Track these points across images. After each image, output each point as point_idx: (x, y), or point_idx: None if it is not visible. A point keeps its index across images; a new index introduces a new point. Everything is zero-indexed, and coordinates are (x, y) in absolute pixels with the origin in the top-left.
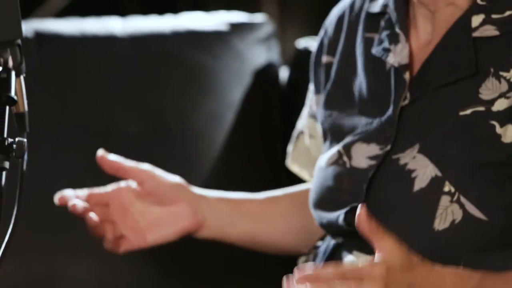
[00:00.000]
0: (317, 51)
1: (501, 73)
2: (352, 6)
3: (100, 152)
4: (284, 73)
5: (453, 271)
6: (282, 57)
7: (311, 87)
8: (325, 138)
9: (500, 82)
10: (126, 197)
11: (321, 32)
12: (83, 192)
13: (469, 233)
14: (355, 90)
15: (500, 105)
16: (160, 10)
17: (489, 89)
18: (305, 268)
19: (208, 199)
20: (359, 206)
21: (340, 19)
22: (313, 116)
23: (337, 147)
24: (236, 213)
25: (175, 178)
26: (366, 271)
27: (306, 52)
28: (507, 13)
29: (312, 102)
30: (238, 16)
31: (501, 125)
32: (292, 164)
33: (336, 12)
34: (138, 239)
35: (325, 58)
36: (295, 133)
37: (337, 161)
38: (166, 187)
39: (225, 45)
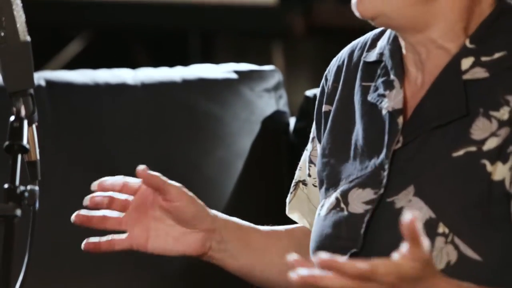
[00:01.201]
0: (319, 101)
1: (491, 112)
2: (350, 55)
3: (141, 167)
4: (292, 122)
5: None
6: (289, 107)
7: (312, 135)
8: (321, 186)
9: (490, 121)
10: (152, 199)
11: (322, 82)
12: (119, 178)
13: (464, 274)
14: (352, 137)
15: (490, 144)
16: (170, 63)
17: (480, 128)
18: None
19: (221, 231)
20: (409, 214)
21: (339, 69)
22: (313, 164)
23: (335, 195)
24: (241, 246)
25: (201, 206)
26: (379, 277)
27: (314, 100)
28: (496, 55)
29: (314, 151)
30: (247, 66)
31: (492, 163)
32: (292, 213)
33: (335, 62)
34: (140, 241)
35: (324, 107)
36: (293, 182)
37: (335, 208)
38: (191, 211)
39: (234, 94)
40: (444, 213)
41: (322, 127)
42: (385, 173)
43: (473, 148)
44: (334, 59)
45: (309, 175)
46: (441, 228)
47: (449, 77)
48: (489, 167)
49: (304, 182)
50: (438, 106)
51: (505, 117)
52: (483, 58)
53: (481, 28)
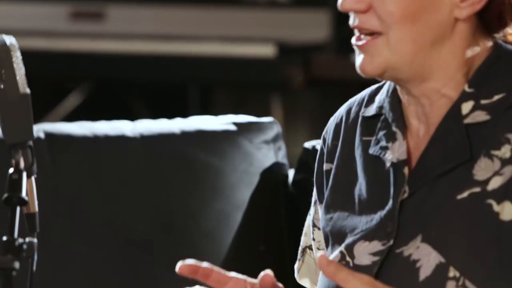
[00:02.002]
0: (318, 162)
1: (492, 152)
2: (348, 112)
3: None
4: (290, 174)
5: None
6: (288, 159)
7: (314, 199)
8: (327, 243)
9: (492, 160)
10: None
11: (321, 142)
12: (205, 264)
13: None
14: (355, 192)
15: (495, 183)
16: (170, 114)
17: (482, 169)
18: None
19: None
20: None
21: (338, 127)
22: (317, 227)
23: (340, 249)
24: None
25: None
26: None
27: (313, 152)
28: (495, 97)
29: (317, 214)
30: (246, 118)
31: (498, 203)
32: (302, 279)
33: (333, 120)
34: None
35: (325, 166)
36: (300, 248)
37: (340, 262)
38: None
39: (233, 145)
40: (453, 257)
41: (324, 187)
42: (394, 224)
43: (477, 189)
44: (332, 118)
45: (313, 239)
46: (452, 272)
47: (451, 123)
48: (495, 207)
49: (310, 247)
50: (442, 153)
51: (507, 155)
52: (483, 101)
53: (479, 72)
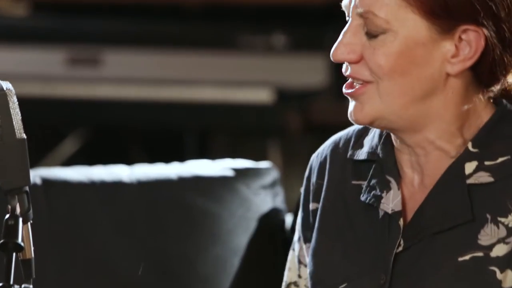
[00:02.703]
0: (304, 200)
1: (499, 218)
2: (333, 152)
3: None
4: (288, 219)
5: None
6: (286, 203)
7: (298, 234)
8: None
9: (498, 227)
10: None
11: (305, 182)
12: None
13: None
14: (346, 238)
15: (499, 251)
16: (167, 159)
17: (487, 234)
18: None
19: None
20: None
21: (322, 166)
22: (303, 264)
23: None
24: None
25: None
26: None
27: None
28: (500, 159)
29: (302, 251)
30: (243, 163)
31: (501, 271)
32: None
33: (317, 158)
34: None
35: (311, 206)
36: (284, 284)
37: None
38: None
39: (230, 191)
40: None
41: (310, 226)
42: (387, 277)
43: (479, 254)
44: (314, 156)
45: (300, 276)
46: None
47: (453, 181)
48: (499, 275)
49: (296, 284)
50: (442, 210)
51: None
52: (487, 163)
53: (483, 132)
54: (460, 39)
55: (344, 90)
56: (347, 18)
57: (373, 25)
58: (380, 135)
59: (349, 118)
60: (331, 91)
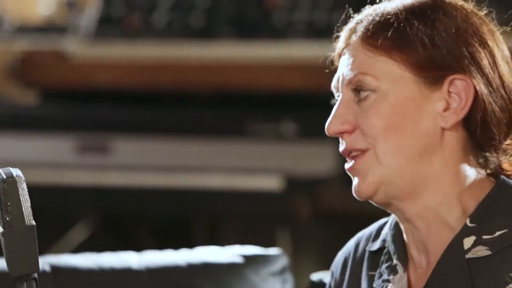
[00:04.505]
0: None
1: None
2: (356, 247)
3: None
4: None
5: None
6: None
7: None
8: None
9: None
10: None
11: (329, 275)
12: None
13: None
14: None
15: None
16: (175, 246)
17: None
18: None
19: None
20: None
21: (345, 261)
22: None
23: None
24: None
25: None
26: None
27: (319, 285)
28: (497, 233)
29: None
30: (253, 250)
31: None
32: None
33: (342, 254)
34: None
35: None
36: None
37: None
38: None
39: (239, 277)
40: None
41: None
42: None
43: None
44: (340, 252)
45: None
46: None
47: (453, 257)
48: None
49: None
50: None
51: None
52: (485, 237)
53: (481, 207)
54: (449, 91)
55: (346, 167)
56: (336, 97)
57: (363, 85)
58: (391, 224)
59: (354, 195)
60: (341, 178)
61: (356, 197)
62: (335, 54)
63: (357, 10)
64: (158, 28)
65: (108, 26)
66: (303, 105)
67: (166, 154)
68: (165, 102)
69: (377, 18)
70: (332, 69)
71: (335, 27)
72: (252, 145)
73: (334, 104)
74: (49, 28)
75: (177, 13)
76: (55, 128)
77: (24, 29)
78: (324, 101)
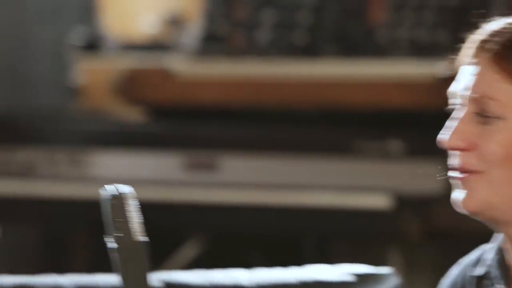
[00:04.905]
0: None
1: None
2: (460, 271)
3: None
4: None
5: None
6: None
7: None
8: None
9: None
10: None
11: None
12: None
13: None
14: None
15: None
16: (284, 263)
17: None
18: None
19: None
20: None
21: (455, 283)
22: None
23: None
24: None
25: None
26: None
27: None
28: None
29: None
30: (364, 268)
31: None
32: None
33: (445, 279)
34: None
35: None
36: None
37: None
38: None
39: None
40: None
41: None
42: None
43: None
44: (445, 281)
45: None
46: None
47: None
48: None
49: None
50: None
51: None
52: None
53: None
54: None
55: (452, 174)
56: (454, 104)
57: (488, 110)
58: (496, 248)
59: (455, 207)
60: (450, 197)
61: (459, 208)
62: (458, 58)
63: (461, 28)
64: (262, 46)
65: (212, 44)
66: (410, 122)
67: (273, 172)
68: (269, 119)
69: None
70: (438, 88)
71: (439, 45)
72: (359, 163)
73: (445, 120)
74: (153, 46)
75: (280, 30)
76: (163, 145)
77: (129, 47)
78: (432, 119)
